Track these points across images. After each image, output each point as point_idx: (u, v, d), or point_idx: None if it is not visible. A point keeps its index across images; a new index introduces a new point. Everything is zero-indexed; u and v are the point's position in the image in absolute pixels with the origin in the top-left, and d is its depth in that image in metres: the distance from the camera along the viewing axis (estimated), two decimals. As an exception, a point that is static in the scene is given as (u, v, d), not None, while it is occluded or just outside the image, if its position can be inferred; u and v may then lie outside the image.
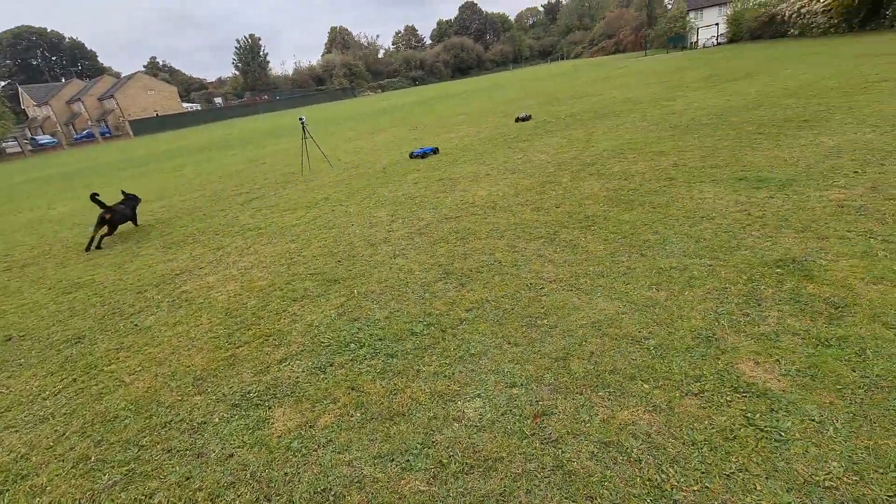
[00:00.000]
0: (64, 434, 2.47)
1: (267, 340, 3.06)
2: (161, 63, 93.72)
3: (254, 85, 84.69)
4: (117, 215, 6.58)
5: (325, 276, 3.96)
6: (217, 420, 2.37)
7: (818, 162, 4.59)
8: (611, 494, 1.64)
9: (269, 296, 3.76)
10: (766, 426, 1.79)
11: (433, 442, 1.99)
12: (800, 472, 1.60)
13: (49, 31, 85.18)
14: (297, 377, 2.61)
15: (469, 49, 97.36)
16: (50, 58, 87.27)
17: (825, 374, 2.00)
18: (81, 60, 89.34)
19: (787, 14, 26.04)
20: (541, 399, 2.13)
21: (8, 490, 2.14)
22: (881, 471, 1.56)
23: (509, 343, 2.59)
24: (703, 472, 1.66)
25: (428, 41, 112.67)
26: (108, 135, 57.95)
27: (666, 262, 3.17)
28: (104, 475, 2.13)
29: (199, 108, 73.05)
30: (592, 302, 2.86)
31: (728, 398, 1.96)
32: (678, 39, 42.33)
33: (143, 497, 1.97)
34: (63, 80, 75.13)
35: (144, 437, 2.34)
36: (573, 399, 2.09)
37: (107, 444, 2.34)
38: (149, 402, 2.61)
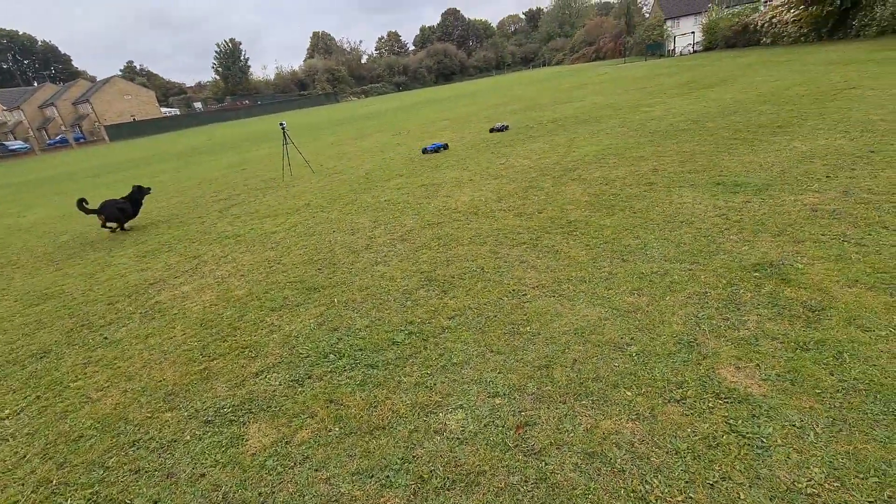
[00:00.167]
0: (24, 456, 2.33)
1: (243, 352, 2.96)
2: (139, 67, 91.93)
3: (235, 90, 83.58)
4: (110, 213, 6.83)
5: (304, 285, 3.87)
6: (188, 438, 2.27)
7: (792, 167, 4.70)
8: (595, 507, 1.60)
9: (247, 305, 3.66)
10: (748, 433, 1.79)
11: (414, 456, 1.93)
12: (782, 480, 1.59)
13: (21, 33, 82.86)
14: (274, 391, 2.52)
15: (452, 55, 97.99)
16: (22, 61, 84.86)
17: (804, 378, 2.01)
18: (55, 64, 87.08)
19: (759, 23, 26.86)
20: (524, 409, 2.09)
21: (-41, 519, 2.00)
22: (861, 476, 1.57)
23: (492, 351, 2.55)
24: (686, 482, 1.64)
25: (411, 47, 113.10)
26: (82, 140, 56.42)
27: (647, 267, 3.18)
28: (66, 500, 2.01)
29: (178, 112, 71.71)
30: (575, 308, 2.84)
31: (710, 404, 1.95)
32: (656, 47, 43.30)
33: (107, 523, 1.87)
34: (35, 84, 72.98)
35: (110, 457, 2.23)
36: (556, 408, 2.06)
37: (70, 465, 2.22)
38: (116, 420, 2.49)
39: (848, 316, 2.35)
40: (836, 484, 1.55)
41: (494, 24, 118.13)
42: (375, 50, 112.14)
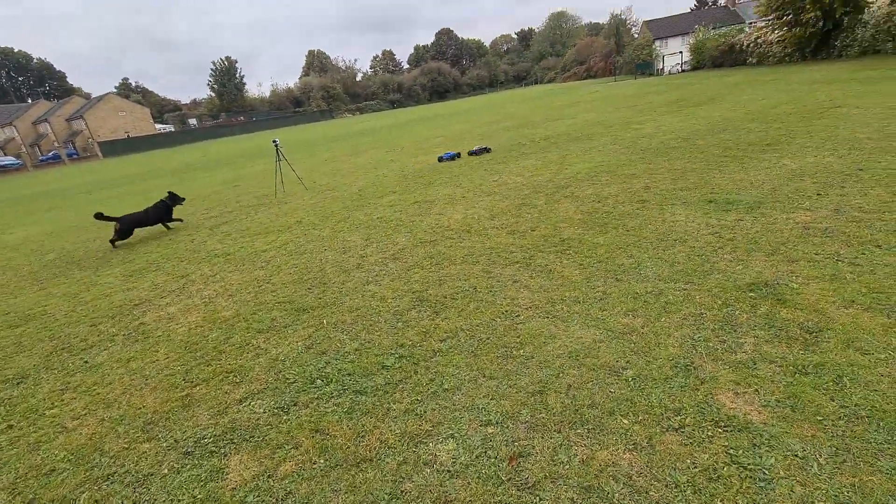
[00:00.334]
0: (-10, 492, 2.20)
1: (227, 377, 2.86)
2: (134, 84, 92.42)
3: (230, 106, 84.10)
4: (126, 223, 7.03)
5: (294, 305, 3.78)
6: (166, 471, 2.15)
7: (782, 184, 4.72)
8: (592, 547, 1.52)
9: (234, 327, 3.56)
10: (749, 464, 1.72)
11: (402, 491, 1.84)
12: (786, 515, 1.52)
13: (16, 51, 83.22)
14: (258, 419, 2.42)
15: (446, 73, 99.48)
16: (16, 78, 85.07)
17: (805, 404, 1.96)
18: (50, 81, 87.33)
19: (745, 44, 27.59)
20: (517, 439, 2.01)
21: (-85, 564, 1.87)
22: (868, 510, 1.50)
23: (484, 376, 2.48)
24: (687, 518, 1.57)
25: (406, 65, 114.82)
26: (75, 156, 56.25)
27: (641, 287, 3.14)
28: (32, 541, 1.89)
29: (173, 129, 71.88)
30: (569, 330, 2.78)
31: (709, 433, 1.89)
32: (645, 66, 44.26)
33: (74, 567, 1.75)
34: (29, 101, 73.01)
35: (82, 492, 2.11)
36: (551, 438, 1.98)
37: (39, 502, 2.10)
38: (91, 452, 2.37)
39: (846, 338, 2.31)
40: (842, 520, 1.48)
41: (487, 44, 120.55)
42: (370, 68, 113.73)
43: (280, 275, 4.58)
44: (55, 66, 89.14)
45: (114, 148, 54.40)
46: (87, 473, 2.22)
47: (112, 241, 6.95)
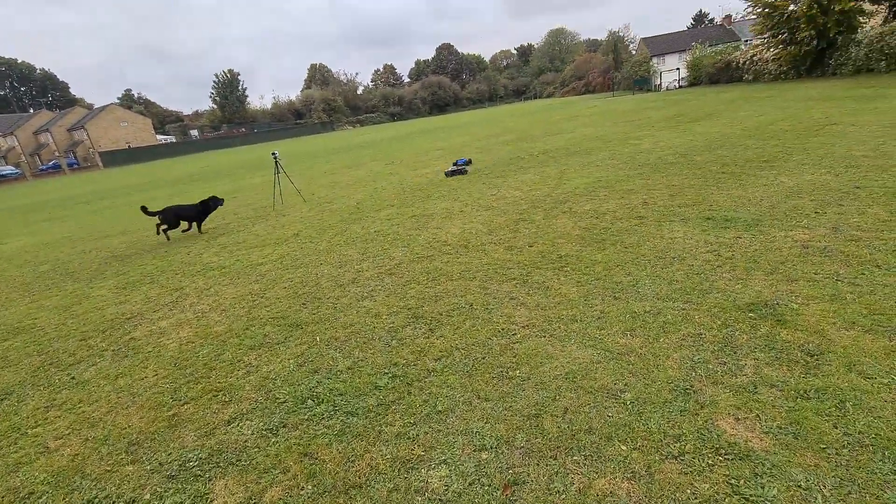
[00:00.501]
0: (-34, 517, 2.13)
1: (216, 396, 2.79)
2: (136, 95, 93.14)
3: (231, 118, 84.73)
4: (169, 214, 7.46)
5: (287, 321, 3.72)
6: (148, 496, 2.08)
7: (780, 202, 4.71)
8: (589, 584, 1.45)
9: (225, 343, 3.50)
10: (751, 494, 1.66)
11: (392, 520, 1.77)
12: (791, 551, 1.46)
13: (20, 61, 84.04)
14: (246, 441, 2.35)
15: (446, 87, 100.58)
16: (19, 88, 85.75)
17: (807, 431, 1.90)
18: (52, 91, 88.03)
19: (741, 61, 27.98)
20: (512, 465, 1.95)
21: None
22: (876, 547, 1.44)
23: (479, 398, 2.42)
24: (688, 553, 1.50)
25: (406, 79, 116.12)
26: (76, 166, 56.41)
27: (639, 306, 3.10)
28: (5, 571, 1.81)
29: (174, 140, 72.27)
30: (566, 350, 2.73)
31: (710, 461, 1.83)
32: (643, 82, 44.81)
33: None
34: (31, 111, 73.51)
35: (61, 518, 2.03)
36: (546, 465, 1.92)
37: (15, 528, 2.02)
38: (72, 474, 2.30)
39: (847, 361, 2.27)
40: (849, 557, 1.42)
41: (487, 59, 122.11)
42: (371, 81, 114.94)
43: (275, 289, 4.53)
44: (58, 76, 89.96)
45: (114, 158, 54.64)
46: (67, 497, 2.15)
47: (164, 231, 7.54)
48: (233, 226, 8.07)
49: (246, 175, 18.01)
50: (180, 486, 2.11)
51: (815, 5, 19.83)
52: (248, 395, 2.76)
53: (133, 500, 2.07)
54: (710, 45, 35.82)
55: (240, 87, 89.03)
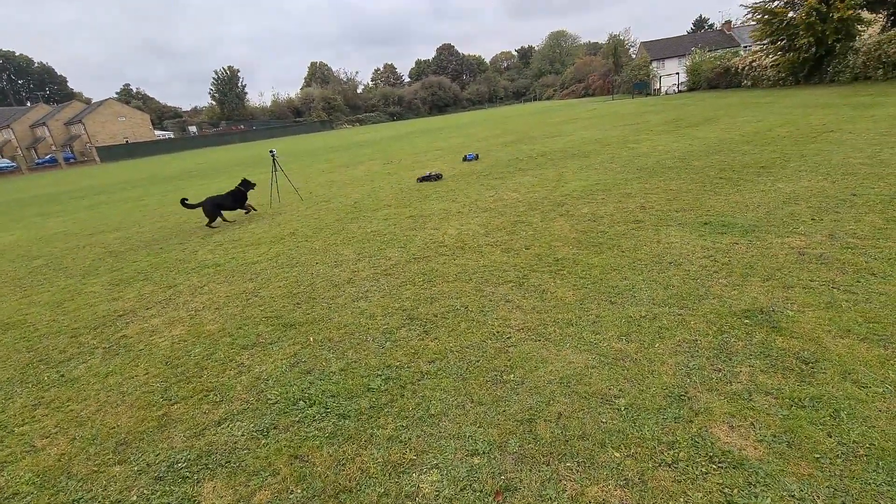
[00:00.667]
0: (-52, 516, 2.09)
1: (207, 396, 2.76)
2: (135, 90, 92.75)
3: (230, 115, 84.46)
4: (207, 207, 7.78)
5: (281, 321, 3.69)
6: (135, 497, 2.05)
7: (777, 208, 4.71)
8: None
9: (218, 342, 3.46)
10: (745, 504, 1.64)
11: (382, 526, 1.75)
12: (784, 562, 1.45)
13: (18, 54, 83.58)
14: (236, 442, 2.32)
15: (446, 88, 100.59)
16: (16, 81, 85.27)
17: (801, 439, 1.89)
18: (50, 85, 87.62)
19: (740, 67, 28.12)
20: (504, 471, 1.92)
21: None
22: (869, 559, 1.43)
23: (473, 402, 2.40)
24: (680, 563, 1.48)
25: (406, 79, 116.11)
26: (72, 160, 56.10)
27: (635, 311, 3.08)
28: (-14, 573, 1.78)
29: (172, 136, 71.97)
30: (561, 354, 2.71)
31: (704, 469, 1.81)
32: (642, 86, 44.94)
33: None
34: (28, 104, 73.09)
35: (45, 519, 2.00)
36: (539, 471, 1.90)
37: (-2, 529, 1.98)
38: (58, 474, 2.26)
39: (842, 370, 2.26)
40: (842, 569, 1.41)
41: (488, 60, 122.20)
42: (371, 80, 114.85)
43: (269, 288, 4.50)
44: (57, 70, 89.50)
45: (111, 153, 54.36)
46: (52, 498, 2.11)
47: (209, 225, 7.81)
48: (229, 223, 8.02)
49: (244, 172, 17.92)
50: (168, 488, 2.08)
51: (814, 13, 19.94)
52: (239, 395, 2.73)
53: (119, 502, 2.04)
54: (709, 51, 35.94)
55: (239, 84, 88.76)
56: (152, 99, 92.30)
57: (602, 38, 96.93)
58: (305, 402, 2.56)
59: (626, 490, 1.77)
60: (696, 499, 1.69)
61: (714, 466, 1.82)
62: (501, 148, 13.55)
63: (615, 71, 58.44)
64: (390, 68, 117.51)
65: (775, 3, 22.50)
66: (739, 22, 42.72)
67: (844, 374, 2.23)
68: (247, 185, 8.18)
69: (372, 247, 5.42)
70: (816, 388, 2.16)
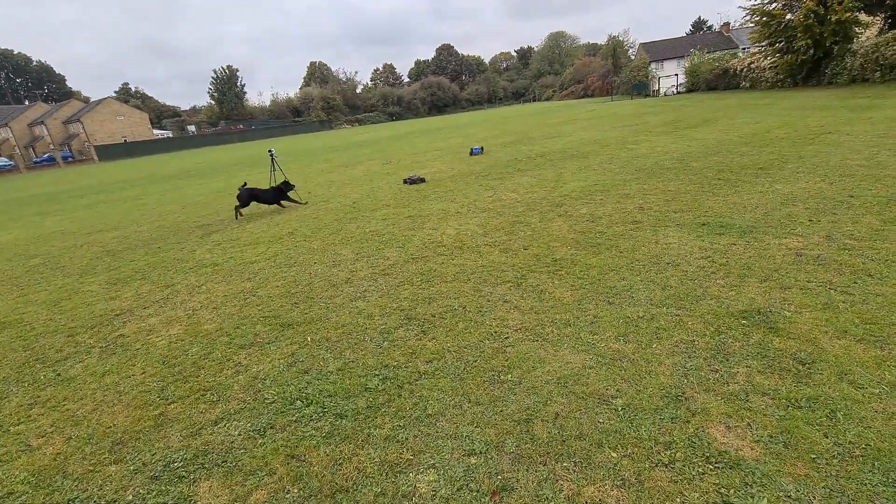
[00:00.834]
0: (-57, 516, 2.08)
1: (204, 395, 2.75)
2: (134, 89, 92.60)
3: (229, 114, 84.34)
4: (243, 196, 8.26)
5: (278, 320, 3.69)
6: (130, 498, 2.04)
7: (775, 209, 4.72)
8: None
9: (215, 342, 3.45)
10: (741, 504, 1.64)
11: (378, 526, 1.75)
12: (780, 563, 1.45)
13: (16, 53, 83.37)
14: (232, 441, 2.31)
15: (446, 88, 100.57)
16: (14, 79, 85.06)
17: (798, 440, 1.89)
18: (49, 83, 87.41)
19: (739, 68, 28.16)
20: (501, 471, 1.92)
21: None
22: (865, 560, 1.43)
23: (470, 402, 2.40)
24: (676, 564, 1.48)
25: (406, 79, 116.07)
26: (70, 159, 55.98)
27: (633, 311, 3.08)
28: (-20, 573, 1.77)
29: (171, 135, 71.85)
30: (558, 354, 2.71)
31: (700, 469, 1.81)
32: (641, 87, 44.98)
33: None
34: (27, 103, 72.90)
35: (41, 519, 1.99)
36: (536, 471, 1.90)
37: (-7, 529, 1.98)
38: (54, 474, 2.25)
39: (839, 371, 2.26)
40: (838, 570, 1.41)
41: (487, 61, 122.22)
42: (371, 80, 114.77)
43: (267, 287, 4.49)
44: (55, 69, 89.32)
45: (110, 152, 54.25)
46: (47, 497, 2.10)
47: (236, 209, 8.28)
48: (227, 222, 8.01)
49: (242, 171, 17.90)
50: (164, 488, 2.07)
51: (812, 15, 20.00)
52: (236, 395, 2.72)
53: (114, 502, 2.03)
54: (708, 52, 36.01)
55: (238, 84, 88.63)
56: (151, 98, 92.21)
57: (601, 39, 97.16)
58: (302, 402, 2.56)
59: (622, 490, 1.77)
60: (693, 499, 1.69)
61: (711, 467, 1.82)
62: (500, 148, 13.56)
63: (614, 72, 58.53)
64: (390, 68, 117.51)
65: (773, 5, 22.56)
66: (738, 24, 42.82)
67: (841, 374, 2.24)
68: (287, 185, 8.71)
69: (370, 247, 5.41)
70: (813, 389, 2.16)
